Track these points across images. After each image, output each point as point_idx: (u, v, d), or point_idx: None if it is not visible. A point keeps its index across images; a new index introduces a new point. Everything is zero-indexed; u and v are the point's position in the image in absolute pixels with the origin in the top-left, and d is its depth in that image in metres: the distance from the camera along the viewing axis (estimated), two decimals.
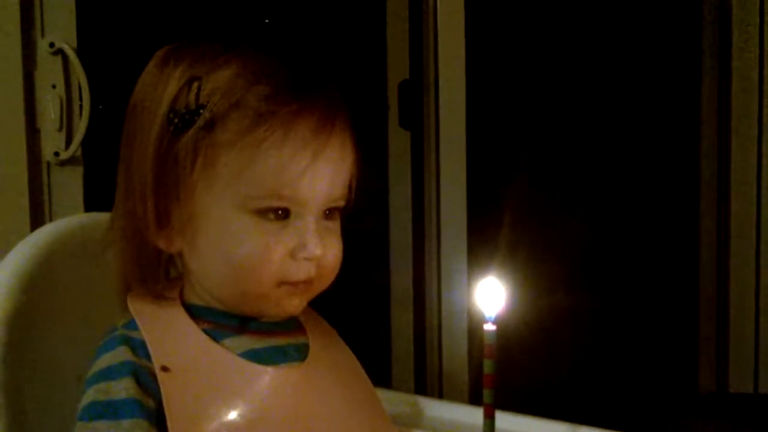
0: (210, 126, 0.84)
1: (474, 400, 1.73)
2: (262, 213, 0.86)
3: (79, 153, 1.52)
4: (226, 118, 0.84)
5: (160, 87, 0.87)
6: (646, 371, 2.32)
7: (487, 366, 0.82)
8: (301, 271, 0.87)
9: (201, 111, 0.84)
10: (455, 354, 1.89)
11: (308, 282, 0.89)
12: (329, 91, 0.90)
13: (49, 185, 1.52)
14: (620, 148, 2.32)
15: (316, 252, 0.87)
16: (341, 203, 0.92)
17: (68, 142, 1.51)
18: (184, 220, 0.87)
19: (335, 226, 0.92)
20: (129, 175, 0.89)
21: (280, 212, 0.86)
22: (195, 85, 0.85)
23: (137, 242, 0.89)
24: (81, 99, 1.51)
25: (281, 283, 0.87)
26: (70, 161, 1.52)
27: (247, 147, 0.84)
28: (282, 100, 0.85)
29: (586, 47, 2.26)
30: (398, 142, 1.98)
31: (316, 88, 0.88)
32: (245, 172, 0.84)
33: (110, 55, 1.56)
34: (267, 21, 1.95)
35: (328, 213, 0.90)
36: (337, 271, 0.92)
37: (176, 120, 0.85)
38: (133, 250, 0.90)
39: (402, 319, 1.97)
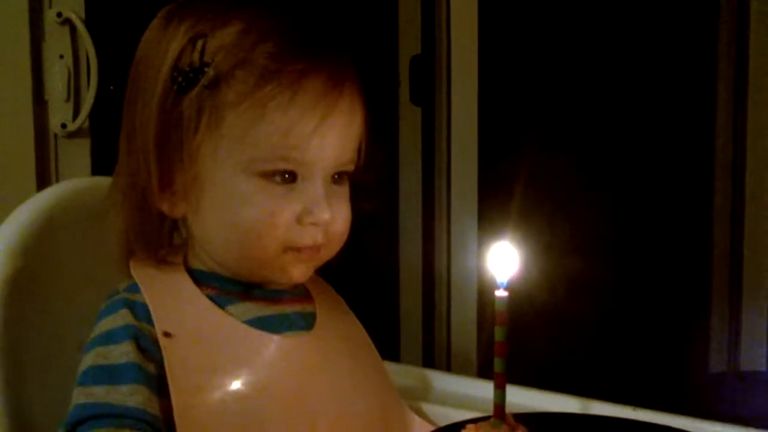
0: (215, 84, 0.82)
1: (482, 373, 1.72)
2: (268, 176, 0.84)
3: (86, 125, 1.51)
4: (231, 76, 0.82)
5: (164, 45, 0.85)
6: (658, 347, 2.31)
7: (499, 333, 0.79)
8: (308, 236, 0.85)
9: (205, 69, 0.82)
10: (464, 328, 1.88)
11: (315, 248, 0.87)
12: (339, 50, 0.88)
13: (56, 157, 1.51)
14: (634, 117, 2.30)
15: (324, 216, 0.85)
16: (350, 167, 0.89)
17: (76, 113, 1.50)
18: (187, 183, 0.85)
19: (344, 191, 0.90)
20: (132, 137, 0.87)
21: (286, 176, 0.84)
22: (199, 42, 0.83)
23: (140, 206, 0.87)
24: (89, 70, 1.50)
25: (287, 249, 0.85)
26: (77, 133, 1.51)
27: (253, 106, 0.82)
28: (289, 59, 0.82)
29: (602, 21, 2.24)
30: (409, 117, 1.97)
31: (326, 47, 0.86)
32: (251, 133, 0.82)
33: (118, 25, 1.54)
34: None
35: (337, 177, 0.88)
36: (345, 237, 0.90)
37: (180, 79, 0.83)
38: (136, 214, 0.88)
39: (411, 293, 1.96)
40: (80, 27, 1.48)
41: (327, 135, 0.84)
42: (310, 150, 0.84)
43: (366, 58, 1.90)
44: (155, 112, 0.84)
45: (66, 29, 1.48)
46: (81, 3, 1.49)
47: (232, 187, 0.84)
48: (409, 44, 1.96)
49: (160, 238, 0.90)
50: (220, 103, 0.82)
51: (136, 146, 0.86)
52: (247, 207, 0.84)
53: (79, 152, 1.53)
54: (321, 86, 0.83)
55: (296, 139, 0.83)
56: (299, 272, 0.88)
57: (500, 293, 0.79)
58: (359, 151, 0.90)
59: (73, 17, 1.47)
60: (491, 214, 1.96)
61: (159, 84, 0.84)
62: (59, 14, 1.47)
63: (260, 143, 0.83)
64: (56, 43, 1.48)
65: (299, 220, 0.85)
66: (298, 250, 0.86)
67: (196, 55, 0.83)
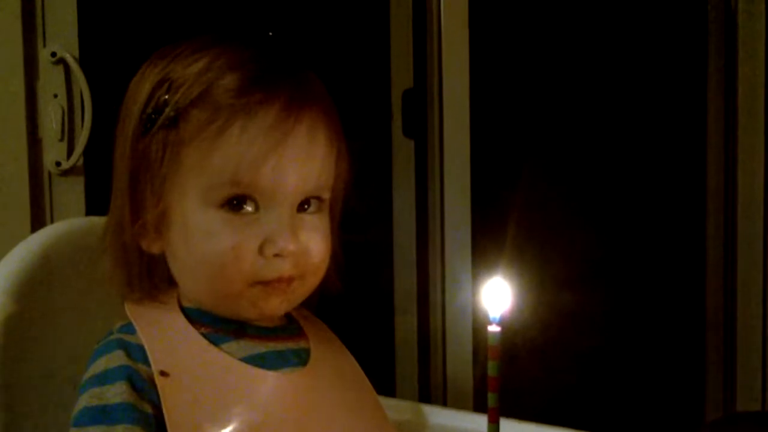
0: (174, 123, 0.85)
1: (478, 407, 1.72)
2: (227, 206, 0.84)
3: (80, 163, 1.52)
4: (187, 114, 0.84)
5: (139, 88, 0.88)
6: (654, 379, 2.30)
7: (492, 368, 0.80)
8: (274, 269, 0.85)
9: (165, 109, 0.85)
10: (459, 362, 1.87)
11: (286, 280, 0.87)
12: (299, 78, 0.88)
13: (50, 195, 1.51)
14: (626, 151, 2.31)
15: (288, 247, 0.85)
16: (323, 194, 0.89)
17: (70, 151, 1.50)
18: (158, 220, 0.87)
19: (318, 219, 0.89)
20: (114, 177, 0.90)
21: (245, 204, 0.85)
22: (165, 85, 0.86)
23: (122, 243, 0.89)
24: (83, 108, 1.50)
25: (254, 283, 0.85)
26: (71, 171, 1.51)
27: (207, 139, 0.84)
28: (244, 92, 0.84)
29: (590, 53, 2.25)
30: (402, 150, 1.97)
31: (283, 76, 0.87)
32: (205, 165, 0.84)
33: (112, 64, 1.55)
34: (270, 34, 1.94)
35: (307, 206, 0.88)
36: (322, 268, 0.90)
37: (145, 120, 0.86)
38: (119, 251, 0.90)
39: (405, 328, 1.96)
40: (74, 66, 1.49)
41: (283, 161, 0.84)
42: (264, 175, 0.84)
43: (359, 92, 1.93)
44: (128, 153, 0.87)
45: (60, 68, 1.49)
46: (75, 43, 1.50)
47: (196, 220, 0.85)
48: (402, 78, 1.97)
49: (149, 276, 0.90)
50: (179, 140, 0.85)
51: (116, 187, 0.89)
52: (211, 240, 0.84)
53: (74, 190, 1.53)
54: (275, 114, 0.84)
55: (247, 163, 0.83)
56: (271, 306, 0.88)
57: (493, 328, 0.80)
58: (339, 177, 0.91)
59: (67, 57, 1.48)
60: (485, 247, 1.96)
61: (132, 125, 0.87)
62: (53, 54, 1.48)
63: (213, 171, 0.84)
64: (50, 82, 1.49)
65: (262, 252, 0.85)
66: (265, 283, 0.86)
67: (161, 97, 0.85)
